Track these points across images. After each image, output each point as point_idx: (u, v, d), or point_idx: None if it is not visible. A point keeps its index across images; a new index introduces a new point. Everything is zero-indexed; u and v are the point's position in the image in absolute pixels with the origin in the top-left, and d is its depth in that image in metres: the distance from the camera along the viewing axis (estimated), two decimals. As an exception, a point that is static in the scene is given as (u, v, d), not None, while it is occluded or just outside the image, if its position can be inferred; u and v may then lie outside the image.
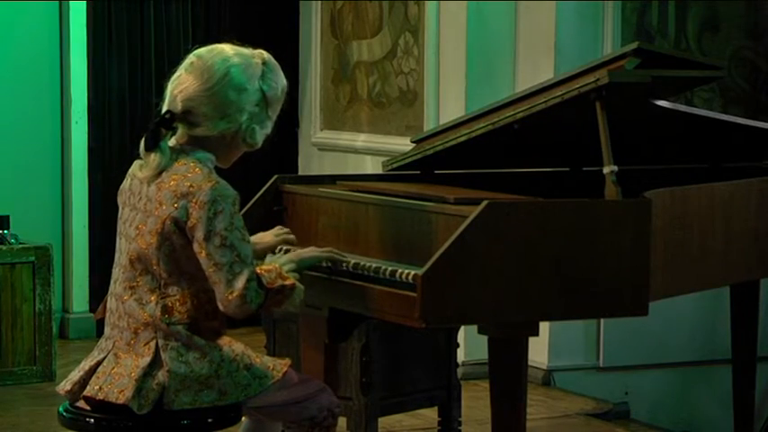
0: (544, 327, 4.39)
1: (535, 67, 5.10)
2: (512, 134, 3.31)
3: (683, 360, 5.31)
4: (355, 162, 5.81)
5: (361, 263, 3.02)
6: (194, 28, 6.10)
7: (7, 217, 5.18)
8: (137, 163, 2.82)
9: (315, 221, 3.33)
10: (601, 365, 5.19)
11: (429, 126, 5.27)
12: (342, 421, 3.55)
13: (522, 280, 2.88)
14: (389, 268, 2.93)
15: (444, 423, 3.85)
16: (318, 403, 2.85)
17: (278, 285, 2.74)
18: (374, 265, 2.98)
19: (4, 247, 5.03)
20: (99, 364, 2.80)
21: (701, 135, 3.73)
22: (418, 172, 3.62)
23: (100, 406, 2.77)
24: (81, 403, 2.82)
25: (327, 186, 3.43)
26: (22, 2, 5.81)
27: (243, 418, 2.94)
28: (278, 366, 2.82)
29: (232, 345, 2.80)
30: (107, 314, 2.85)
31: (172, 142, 2.80)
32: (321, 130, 6.14)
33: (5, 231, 5.14)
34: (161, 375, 2.71)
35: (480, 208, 2.84)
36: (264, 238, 3.01)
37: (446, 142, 3.44)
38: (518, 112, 3.23)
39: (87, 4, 5.89)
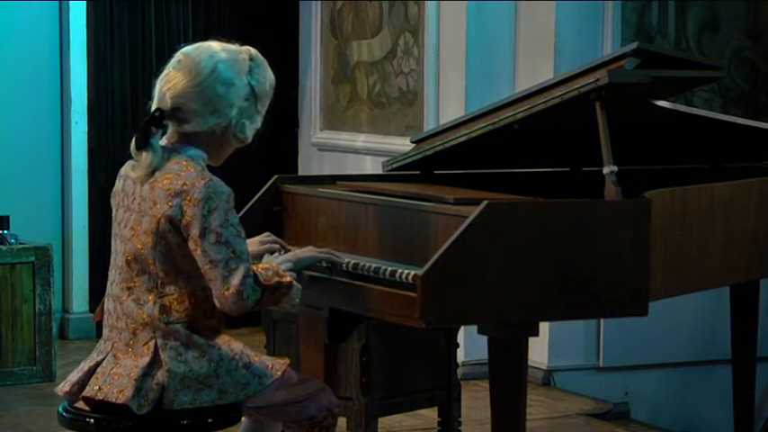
0: (544, 327, 4.39)
1: (535, 67, 5.10)
2: (512, 134, 3.31)
3: (683, 360, 5.31)
4: (355, 162, 5.81)
5: (361, 263, 3.02)
6: (194, 28, 6.09)
7: (7, 217, 5.18)
8: (129, 163, 2.82)
9: (315, 222, 3.33)
10: (601, 365, 5.19)
11: (429, 126, 5.27)
12: (342, 421, 3.54)
13: (521, 280, 2.88)
14: (389, 268, 2.93)
15: (444, 423, 3.85)
16: (318, 403, 2.85)
17: (274, 282, 2.73)
18: (374, 266, 2.98)
19: (4, 248, 5.03)
20: (98, 365, 2.80)
21: (701, 135, 3.73)
22: (418, 172, 3.62)
23: (99, 406, 2.77)
24: (80, 404, 2.82)
25: (327, 186, 3.43)
26: (23, 2, 5.80)
27: (242, 419, 2.94)
28: (277, 365, 2.82)
29: (231, 344, 2.80)
30: (105, 316, 2.84)
31: (163, 141, 2.80)
32: (321, 130, 6.14)
33: (5, 231, 5.13)
34: (160, 375, 2.71)
35: (480, 208, 2.84)
36: (251, 246, 2.98)
37: (446, 142, 3.44)
38: (518, 113, 3.23)
39: (87, 4, 5.88)
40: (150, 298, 2.75)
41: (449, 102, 5.32)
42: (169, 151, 2.77)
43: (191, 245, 2.70)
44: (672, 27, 5.29)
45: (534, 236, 2.89)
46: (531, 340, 2.97)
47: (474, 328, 2.98)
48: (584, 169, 3.72)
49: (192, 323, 2.75)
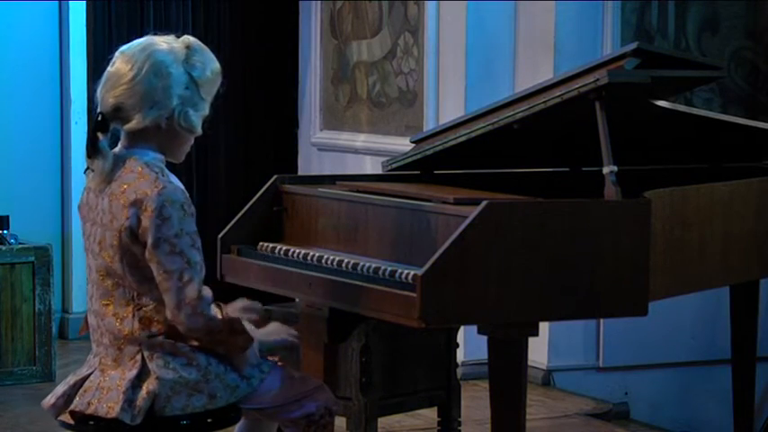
0: (544, 327, 4.39)
1: (534, 67, 5.10)
2: (511, 134, 3.31)
3: (682, 360, 5.31)
4: (355, 162, 5.81)
5: (361, 263, 3.01)
6: (194, 28, 6.09)
7: (7, 217, 5.18)
8: (88, 173, 2.79)
9: (314, 221, 3.33)
10: (600, 366, 5.19)
11: (428, 126, 5.27)
12: (341, 421, 3.55)
13: (521, 280, 2.88)
14: (389, 268, 2.93)
15: (444, 423, 3.85)
16: (316, 401, 2.84)
17: (237, 325, 2.70)
18: (374, 266, 2.98)
19: (3, 248, 5.03)
20: (85, 379, 2.78)
21: (701, 135, 3.73)
22: (418, 172, 3.62)
23: (87, 421, 2.74)
24: (65, 417, 2.78)
25: (327, 186, 3.43)
26: (23, 2, 5.80)
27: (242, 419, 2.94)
28: (264, 366, 2.81)
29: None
30: (90, 330, 2.83)
31: (117, 148, 2.76)
32: (321, 130, 6.14)
33: (5, 232, 5.13)
34: (150, 384, 2.69)
35: (480, 208, 2.84)
36: (232, 311, 2.89)
37: (445, 142, 3.44)
38: (517, 113, 3.23)
39: (87, 4, 5.88)
40: (129, 311, 2.72)
41: (448, 102, 5.32)
42: (123, 157, 2.73)
43: (147, 255, 2.66)
44: (671, 27, 5.29)
45: (534, 236, 2.89)
46: (531, 340, 2.96)
47: (474, 327, 2.98)
48: (584, 169, 3.72)
49: (174, 332, 2.72)
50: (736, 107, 5.33)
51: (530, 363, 3.04)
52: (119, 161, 2.73)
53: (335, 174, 3.78)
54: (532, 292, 2.89)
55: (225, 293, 2.97)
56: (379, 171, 3.74)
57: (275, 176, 3.47)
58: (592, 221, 2.96)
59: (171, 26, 6.04)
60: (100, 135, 2.72)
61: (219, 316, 2.71)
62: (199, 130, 2.78)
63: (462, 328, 4.24)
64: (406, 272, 2.86)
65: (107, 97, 2.75)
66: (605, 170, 3.05)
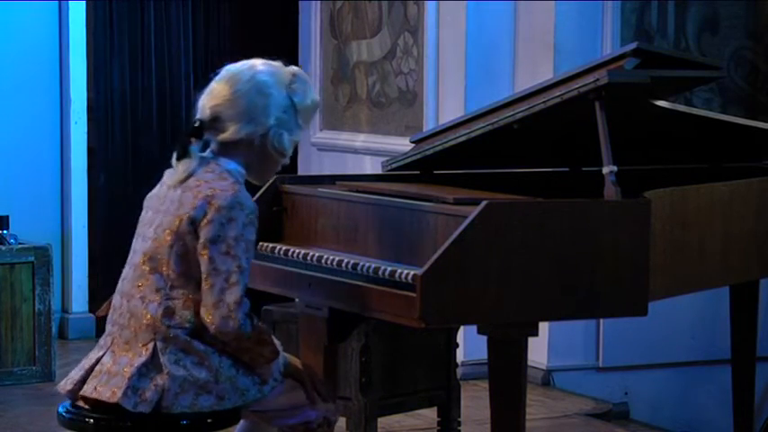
0: (543, 327, 4.39)
1: (534, 67, 5.10)
2: (511, 134, 3.31)
3: (682, 360, 5.31)
4: (354, 162, 5.81)
5: (361, 263, 3.01)
6: (194, 28, 6.09)
7: (7, 217, 5.18)
8: (168, 171, 2.85)
9: (314, 221, 3.33)
10: (600, 365, 5.19)
11: (428, 126, 5.27)
12: (341, 421, 3.55)
13: (521, 280, 2.88)
14: (389, 268, 2.93)
15: (443, 423, 3.85)
16: (316, 410, 2.85)
17: (266, 336, 2.74)
18: (373, 266, 2.98)
19: (3, 248, 5.03)
20: (98, 361, 2.80)
21: (701, 135, 3.73)
22: (417, 172, 3.62)
23: (96, 405, 2.77)
24: (81, 402, 2.82)
25: (327, 186, 3.43)
26: (22, 2, 5.80)
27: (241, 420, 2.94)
28: (277, 375, 2.82)
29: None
30: (110, 311, 2.86)
31: (205, 153, 2.83)
32: (320, 130, 6.14)
33: (5, 231, 5.13)
34: (160, 378, 2.70)
35: (480, 208, 2.84)
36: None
37: (445, 142, 3.44)
38: (517, 113, 3.22)
39: (87, 4, 5.88)
40: (157, 298, 2.75)
41: (448, 102, 5.32)
42: (208, 160, 2.81)
43: (199, 247, 2.71)
44: (671, 27, 5.29)
45: (534, 236, 2.89)
46: (531, 340, 2.96)
47: (473, 327, 2.98)
48: (584, 169, 3.72)
49: (194, 331, 2.75)
50: (735, 107, 5.32)
51: (529, 363, 3.04)
52: (203, 162, 2.80)
53: (335, 174, 3.78)
54: (532, 292, 2.89)
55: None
56: (378, 171, 3.74)
57: (275, 176, 3.47)
58: (592, 221, 2.96)
59: (171, 26, 6.04)
60: (193, 140, 2.80)
61: (250, 326, 2.72)
62: (288, 155, 2.86)
63: (462, 327, 4.24)
64: (405, 272, 2.86)
65: (207, 106, 2.82)
66: (605, 170, 3.05)
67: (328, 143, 6.06)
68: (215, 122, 2.80)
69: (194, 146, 2.80)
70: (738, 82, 5.39)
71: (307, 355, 3.27)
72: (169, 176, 2.84)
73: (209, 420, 2.77)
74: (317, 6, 6.12)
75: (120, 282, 2.86)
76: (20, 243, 5.12)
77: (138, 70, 5.99)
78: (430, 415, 4.11)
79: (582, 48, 5.04)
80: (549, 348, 5.07)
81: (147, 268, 2.77)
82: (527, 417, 3.01)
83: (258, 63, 2.86)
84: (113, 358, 2.77)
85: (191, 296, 2.74)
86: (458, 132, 3.41)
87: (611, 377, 5.17)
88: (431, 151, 3.49)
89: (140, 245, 2.83)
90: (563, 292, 2.92)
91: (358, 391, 3.59)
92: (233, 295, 2.68)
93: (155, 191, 2.89)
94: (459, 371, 3.98)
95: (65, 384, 2.85)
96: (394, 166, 3.62)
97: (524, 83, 4.76)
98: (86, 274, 5.92)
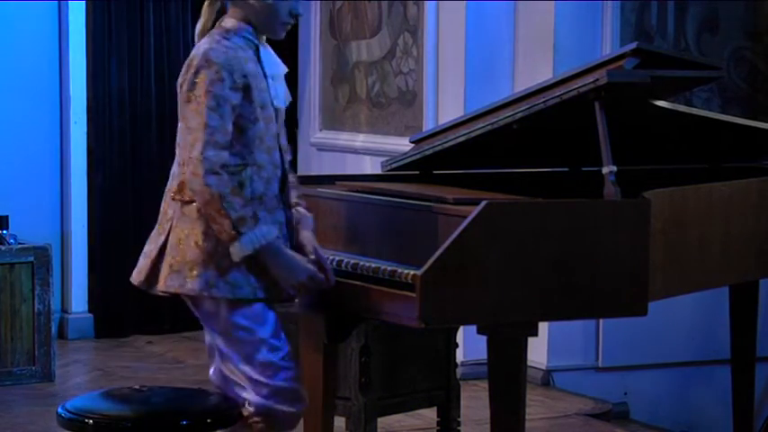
0: (543, 327, 4.38)
1: (534, 66, 5.10)
2: (511, 134, 3.31)
3: (682, 360, 5.31)
4: (354, 162, 5.81)
5: (360, 263, 3.01)
6: (194, 28, 6.08)
7: (6, 217, 5.18)
8: None
9: (314, 221, 3.33)
10: (600, 365, 5.19)
11: (428, 126, 5.27)
12: (341, 421, 3.55)
13: (521, 280, 2.88)
14: (388, 268, 2.93)
15: (443, 423, 3.85)
16: (266, 397, 2.79)
17: (228, 208, 2.69)
18: (373, 266, 2.98)
19: (3, 248, 5.02)
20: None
21: (701, 135, 3.73)
22: (417, 172, 3.62)
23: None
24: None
25: (327, 186, 3.43)
26: (22, 2, 5.80)
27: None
28: (272, 294, 2.80)
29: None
30: None
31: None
32: (320, 130, 6.14)
33: (5, 231, 5.13)
34: (171, 256, 2.75)
35: (479, 208, 2.84)
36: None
37: (445, 142, 3.44)
38: (517, 113, 3.22)
39: (86, 4, 5.88)
40: (176, 172, 2.81)
41: (448, 102, 5.32)
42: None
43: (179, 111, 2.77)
44: (671, 27, 5.29)
45: (533, 236, 2.89)
46: (530, 340, 2.96)
47: (473, 327, 2.98)
48: (584, 169, 3.72)
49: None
50: (735, 107, 5.32)
51: (529, 363, 3.04)
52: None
53: (335, 174, 3.78)
54: (532, 292, 2.89)
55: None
56: (378, 171, 3.74)
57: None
58: (591, 221, 2.96)
59: (170, 27, 6.04)
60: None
61: (222, 186, 2.70)
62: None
63: (462, 327, 4.24)
64: (405, 272, 2.86)
65: None
66: (605, 170, 3.05)
67: (328, 143, 6.06)
68: None
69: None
70: (738, 82, 5.39)
71: (306, 354, 3.27)
72: None
73: (208, 420, 2.76)
74: (317, 6, 6.12)
75: None
76: (19, 243, 5.12)
77: (137, 71, 5.99)
78: (429, 415, 4.11)
79: (581, 47, 5.04)
80: (549, 348, 5.07)
81: (177, 143, 2.83)
82: (527, 417, 3.01)
83: None
84: (149, 240, 2.84)
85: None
86: (457, 132, 3.41)
87: (610, 377, 5.17)
88: (430, 151, 3.48)
89: None
90: (563, 292, 2.92)
91: (358, 392, 3.59)
92: (195, 150, 2.70)
93: None
94: (459, 371, 3.98)
95: (134, 276, 2.89)
96: (394, 166, 3.62)
97: (524, 83, 4.76)
98: (86, 274, 5.92)
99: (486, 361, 3.00)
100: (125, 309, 5.82)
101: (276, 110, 2.89)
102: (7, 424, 4.51)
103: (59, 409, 2.87)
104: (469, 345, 4.89)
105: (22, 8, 5.81)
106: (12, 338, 4.99)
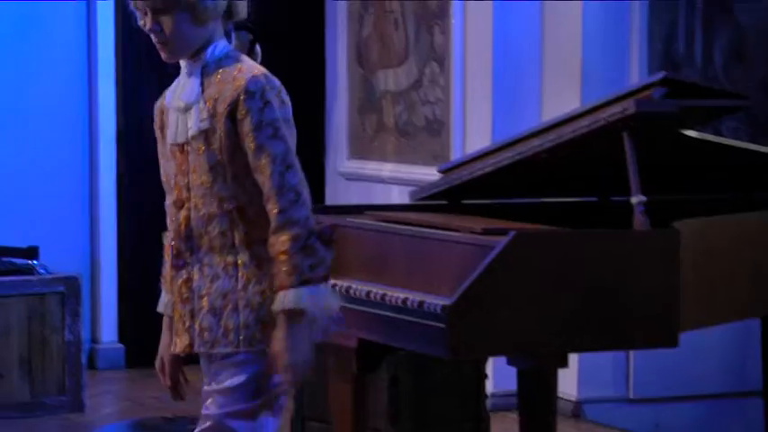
0: (573, 357, 4.35)
1: (561, 94, 5.09)
2: (539, 164, 3.30)
3: (713, 392, 5.26)
4: (382, 192, 5.81)
5: (389, 294, 3.01)
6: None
7: (36, 248, 5.20)
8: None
9: (342, 251, 3.33)
10: (631, 397, 5.15)
11: (455, 155, 5.27)
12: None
13: (550, 311, 2.87)
14: (417, 299, 2.92)
15: (473, 454, 3.83)
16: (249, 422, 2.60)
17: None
18: (402, 296, 2.97)
19: (33, 278, 5.05)
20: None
21: (730, 164, 3.71)
22: (445, 202, 3.62)
23: None
24: None
25: (355, 216, 3.43)
26: (52, 28, 5.84)
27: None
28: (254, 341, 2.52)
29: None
30: None
31: None
32: (348, 159, 6.15)
33: (35, 262, 5.16)
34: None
35: (508, 238, 2.83)
36: None
37: (473, 172, 3.44)
38: (545, 142, 3.22)
39: (116, 30, 5.92)
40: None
41: (474, 131, 5.32)
42: None
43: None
44: (698, 55, 5.28)
45: (562, 266, 2.88)
46: (560, 371, 2.95)
47: (503, 358, 2.97)
48: (612, 199, 3.71)
49: None
50: (764, 136, 5.29)
51: (559, 394, 3.03)
52: None
53: (363, 204, 3.79)
54: (561, 324, 2.88)
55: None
56: (406, 201, 3.74)
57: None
58: (621, 252, 2.95)
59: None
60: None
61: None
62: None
63: (491, 358, 4.22)
64: (434, 303, 2.86)
65: None
66: (634, 200, 3.04)
67: (355, 172, 6.07)
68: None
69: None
70: (766, 110, 5.37)
71: (336, 385, 3.27)
72: None
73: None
74: (343, 35, 6.15)
75: None
76: (50, 273, 5.14)
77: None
78: (459, 446, 4.09)
79: (609, 75, 5.03)
80: (579, 379, 5.04)
81: None
82: (557, 448, 2.99)
83: None
84: None
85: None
86: (485, 162, 3.41)
87: (641, 409, 5.12)
88: (458, 181, 3.48)
89: None
90: (592, 322, 2.91)
91: (387, 423, 3.58)
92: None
93: None
94: (489, 402, 3.96)
95: None
96: (422, 195, 3.62)
97: (551, 111, 4.75)
98: (116, 304, 5.93)
99: (516, 392, 2.98)
100: (156, 339, 5.82)
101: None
102: (37, 454, 4.52)
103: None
104: (500, 376, 4.87)
105: (50, 35, 5.85)
106: (42, 369, 5.01)
